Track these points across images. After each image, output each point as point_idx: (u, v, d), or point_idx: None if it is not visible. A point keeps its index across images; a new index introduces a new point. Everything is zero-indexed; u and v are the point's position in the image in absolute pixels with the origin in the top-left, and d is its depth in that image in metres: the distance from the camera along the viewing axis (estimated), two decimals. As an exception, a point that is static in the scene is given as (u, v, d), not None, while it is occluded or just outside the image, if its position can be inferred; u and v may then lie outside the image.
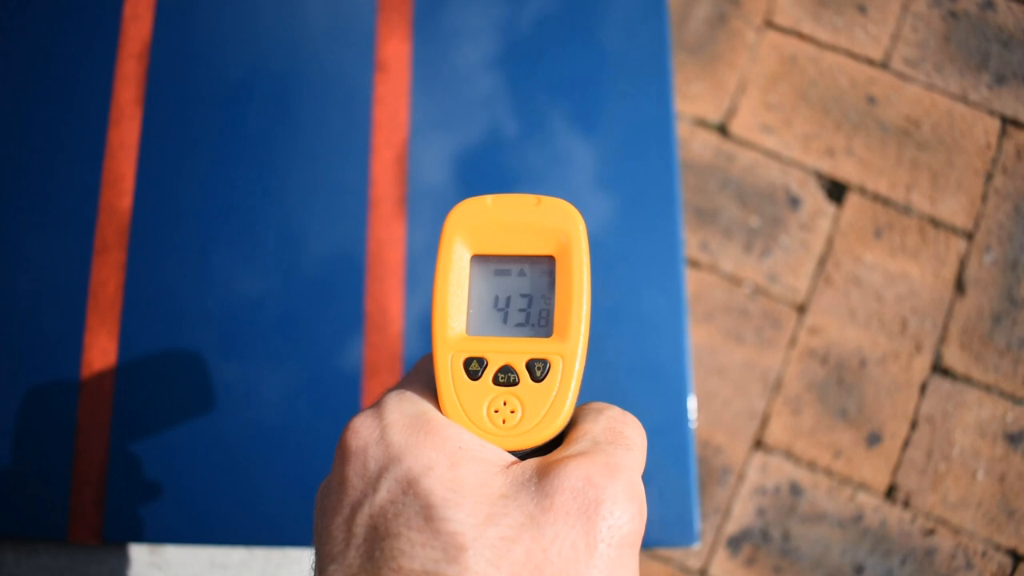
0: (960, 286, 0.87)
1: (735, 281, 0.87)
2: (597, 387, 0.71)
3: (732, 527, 0.82)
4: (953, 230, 0.88)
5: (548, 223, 0.35)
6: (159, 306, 0.69)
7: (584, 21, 0.76)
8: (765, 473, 0.83)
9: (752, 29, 0.92)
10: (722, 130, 0.90)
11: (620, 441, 0.32)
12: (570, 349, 0.33)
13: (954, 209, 0.89)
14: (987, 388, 0.85)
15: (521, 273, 0.35)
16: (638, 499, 0.30)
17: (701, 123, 0.90)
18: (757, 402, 0.85)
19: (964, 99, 0.91)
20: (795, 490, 0.83)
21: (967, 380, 0.85)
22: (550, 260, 0.35)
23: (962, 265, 0.87)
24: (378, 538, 0.28)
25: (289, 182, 0.72)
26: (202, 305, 0.70)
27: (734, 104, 0.91)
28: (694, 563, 0.82)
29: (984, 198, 0.89)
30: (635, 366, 0.71)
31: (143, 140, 0.72)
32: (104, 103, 0.72)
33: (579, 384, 0.34)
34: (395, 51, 0.74)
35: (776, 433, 0.84)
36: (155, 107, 0.72)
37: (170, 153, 0.72)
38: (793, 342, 0.86)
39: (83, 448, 0.67)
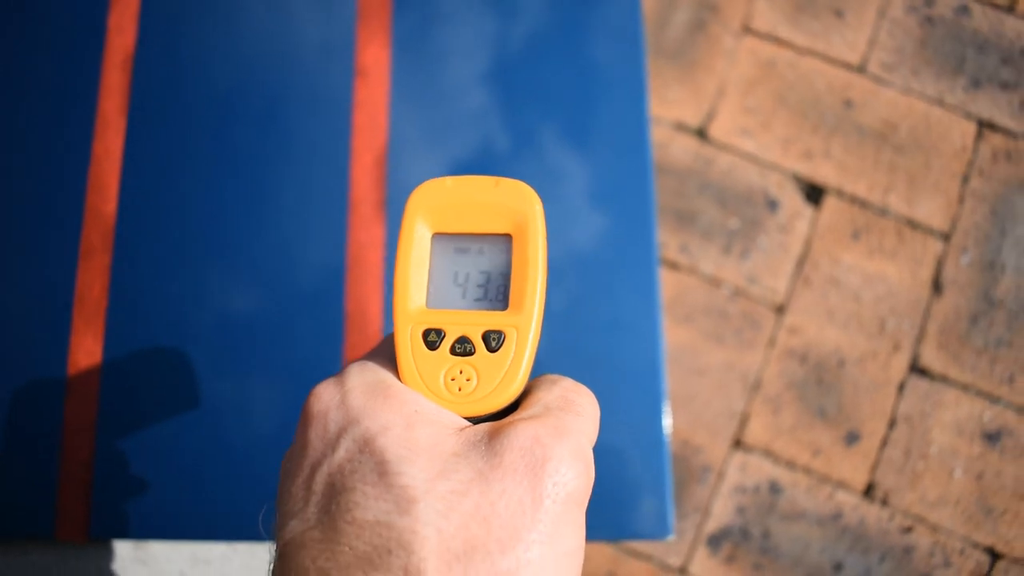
0: (937, 287, 0.88)
1: (715, 283, 0.88)
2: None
3: (712, 525, 0.83)
4: (930, 231, 0.89)
5: (506, 203, 0.36)
6: (144, 309, 0.71)
7: (560, 27, 0.78)
8: (745, 472, 0.84)
9: (730, 34, 0.94)
10: (701, 134, 0.91)
11: (571, 408, 0.33)
12: (524, 321, 0.35)
13: (931, 211, 0.90)
14: (964, 387, 0.86)
15: (480, 251, 0.37)
16: (584, 459, 0.31)
17: (680, 127, 0.92)
18: (737, 402, 0.86)
19: (940, 102, 0.92)
20: (774, 489, 0.84)
21: (944, 380, 0.86)
22: (507, 238, 0.36)
23: (939, 266, 0.88)
24: (335, 493, 0.30)
25: (269, 187, 0.73)
26: (185, 308, 0.71)
27: (713, 108, 0.92)
28: (674, 561, 0.83)
29: (961, 200, 0.90)
30: (610, 367, 0.73)
31: (127, 148, 0.73)
32: (89, 113, 0.74)
33: (533, 354, 0.35)
34: (374, 57, 0.76)
35: (756, 432, 0.85)
36: (139, 117, 0.74)
37: (153, 160, 0.73)
38: (772, 343, 0.87)
39: (69, 448, 0.68)
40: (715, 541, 0.83)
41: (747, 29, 0.94)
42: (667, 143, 0.91)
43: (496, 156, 0.75)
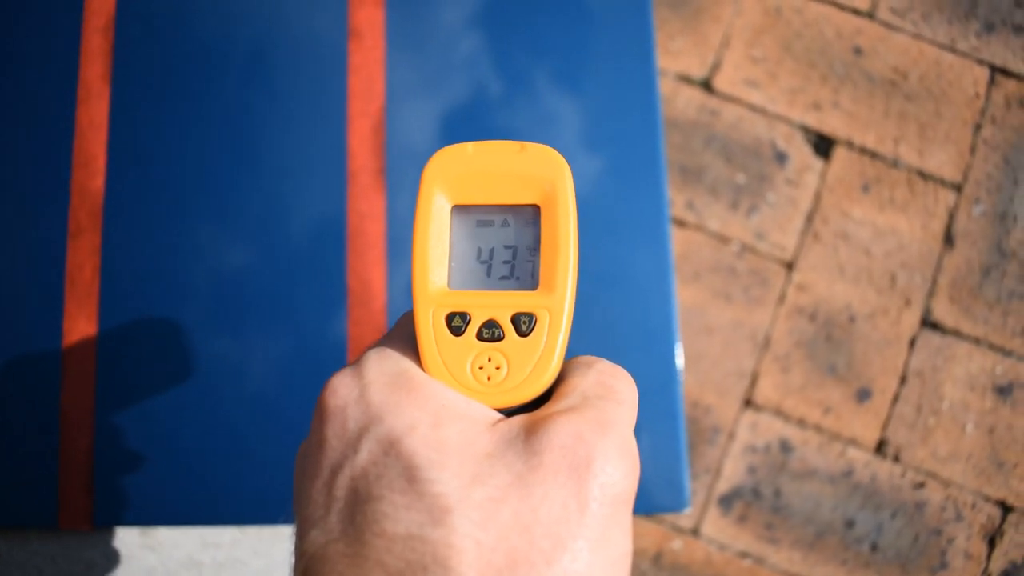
0: (949, 239, 0.86)
1: (722, 240, 0.86)
2: (584, 351, 0.70)
3: (723, 486, 0.83)
4: (942, 182, 0.87)
5: (532, 171, 0.33)
6: (137, 288, 0.68)
7: (562, -20, 0.74)
8: (755, 431, 0.83)
9: (735, -19, 0.90)
10: (706, 86, 0.88)
11: (610, 395, 0.31)
12: (557, 302, 0.32)
13: (942, 161, 0.87)
14: (976, 341, 0.85)
15: (505, 224, 0.34)
16: (630, 455, 0.29)
17: (685, 79, 0.89)
18: (746, 361, 0.85)
19: (952, 48, 0.89)
20: (785, 447, 0.83)
21: (956, 334, 0.85)
22: (535, 209, 0.34)
23: (951, 218, 0.87)
24: (359, 501, 0.27)
25: (264, 156, 0.70)
26: (180, 285, 0.69)
27: (718, 59, 0.89)
28: (686, 523, 0.82)
29: (973, 149, 0.88)
30: (623, 329, 0.71)
31: (112, 117, 0.70)
32: (71, 81, 0.70)
33: (567, 338, 0.33)
34: (368, 17, 0.72)
35: (766, 391, 0.84)
36: (123, 82, 0.70)
37: (141, 129, 0.70)
38: (781, 299, 0.85)
39: (69, 434, 0.66)
40: (726, 501, 0.83)
41: (753, -26, 0.90)
42: (671, 96, 0.88)
43: (500, 116, 0.72)
